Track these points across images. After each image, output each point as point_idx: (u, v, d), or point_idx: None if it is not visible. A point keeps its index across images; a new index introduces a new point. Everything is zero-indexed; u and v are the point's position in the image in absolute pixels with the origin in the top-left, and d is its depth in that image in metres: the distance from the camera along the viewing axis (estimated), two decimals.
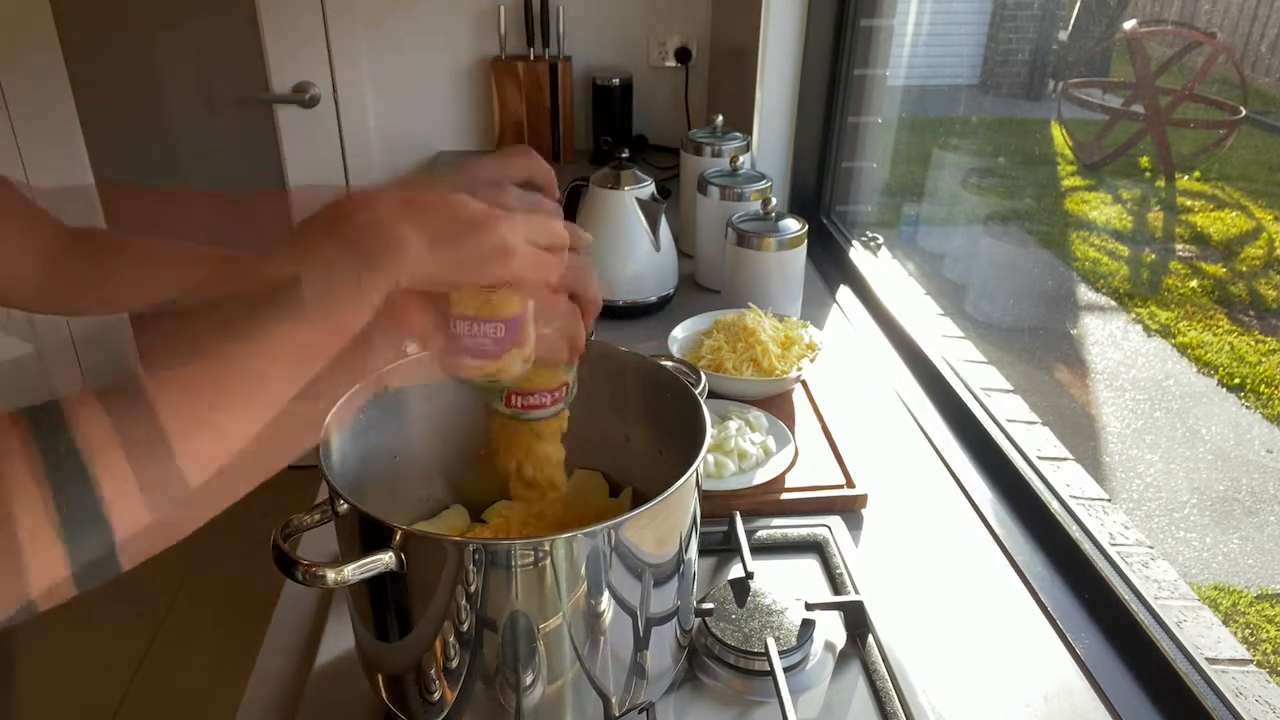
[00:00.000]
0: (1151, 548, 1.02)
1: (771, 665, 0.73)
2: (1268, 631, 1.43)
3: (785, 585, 0.83)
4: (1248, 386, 1.83)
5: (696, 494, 0.67)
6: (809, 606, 0.80)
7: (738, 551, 0.86)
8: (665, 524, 0.63)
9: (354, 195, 0.52)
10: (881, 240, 1.68)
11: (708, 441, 0.66)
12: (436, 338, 0.58)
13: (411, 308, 0.57)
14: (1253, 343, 1.95)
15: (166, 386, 0.44)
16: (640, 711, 0.69)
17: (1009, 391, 1.36)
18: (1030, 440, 1.08)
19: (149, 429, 0.42)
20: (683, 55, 2.23)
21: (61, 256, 0.75)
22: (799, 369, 1.14)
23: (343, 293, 0.49)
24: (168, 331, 0.49)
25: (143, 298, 0.76)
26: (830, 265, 1.66)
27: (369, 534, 0.58)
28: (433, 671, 0.63)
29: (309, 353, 0.48)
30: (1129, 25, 2.50)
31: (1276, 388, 1.81)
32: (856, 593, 0.84)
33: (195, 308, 0.48)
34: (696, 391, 0.72)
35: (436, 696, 0.64)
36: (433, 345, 0.58)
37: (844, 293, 1.55)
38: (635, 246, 1.35)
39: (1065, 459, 1.19)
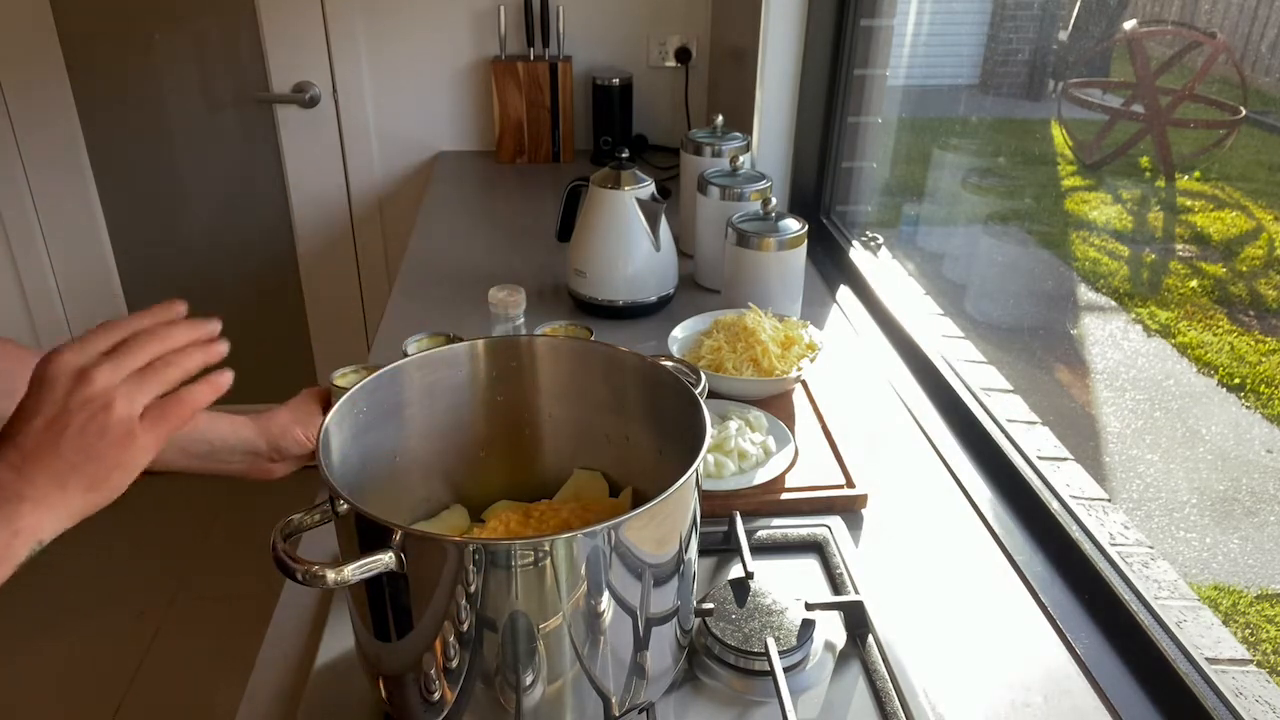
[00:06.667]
0: (1151, 548, 1.02)
1: (771, 665, 0.73)
2: (1268, 631, 1.43)
3: (785, 585, 0.83)
4: (1248, 386, 1.83)
5: (696, 494, 0.67)
6: (809, 606, 0.80)
7: (738, 551, 0.86)
8: (665, 524, 0.63)
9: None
10: (881, 240, 1.68)
11: (708, 441, 0.66)
12: None
13: None
14: (1253, 343, 1.95)
15: None
16: (640, 711, 0.69)
17: (1009, 391, 1.36)
18: (1030, 440, 1.08)
19: None
20: (683, 55, 2.23)
21: None
22: (799, 369, 1.14)
23: None
24: None
25: None
26: (830, 265, 1.66)
27: (369, 534, 0.58)
28: (433, 671, 0.63)
29: None
30: (1129, 25, 2.49)
31: (1276, 388, 1.81)
32: (856, 593, 0.84)
33: None
34: (696, 391, 0.72)
35: (436, 696, 0.64)
36: None
37: (844, 293, 1.55)
38: (635, 246, 1.35)
39: (1065, 459, 1.19)
